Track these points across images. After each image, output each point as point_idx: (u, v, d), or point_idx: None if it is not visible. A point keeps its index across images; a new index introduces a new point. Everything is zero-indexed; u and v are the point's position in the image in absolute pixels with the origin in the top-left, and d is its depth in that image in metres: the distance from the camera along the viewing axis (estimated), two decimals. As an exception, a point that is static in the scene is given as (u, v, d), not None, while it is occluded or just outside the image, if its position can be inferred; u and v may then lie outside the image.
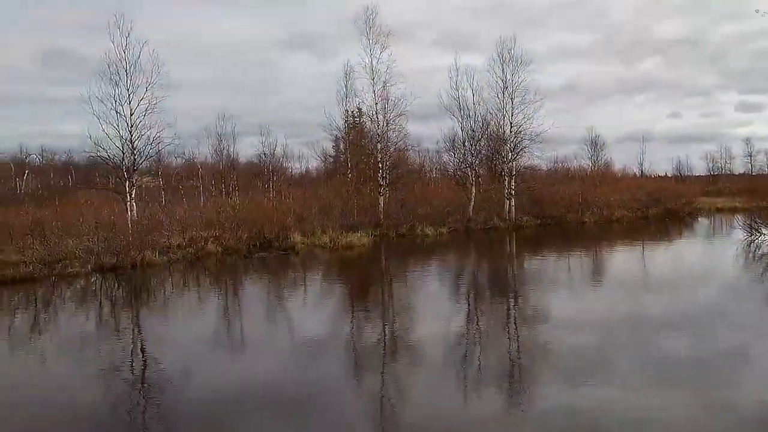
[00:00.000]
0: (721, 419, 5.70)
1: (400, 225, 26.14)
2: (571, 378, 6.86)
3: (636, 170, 55.12)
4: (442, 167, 38.99)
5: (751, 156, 59.46)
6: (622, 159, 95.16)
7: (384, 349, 8.67)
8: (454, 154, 32.77)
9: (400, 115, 28.19)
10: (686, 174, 62.55)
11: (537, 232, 28.02)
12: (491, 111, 30.81)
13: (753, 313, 10.42)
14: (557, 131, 71.76)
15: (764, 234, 20.44)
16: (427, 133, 78.02)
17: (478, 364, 7.89)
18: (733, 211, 33.38)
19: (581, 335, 8.92)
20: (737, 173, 59.82)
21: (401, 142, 30.32)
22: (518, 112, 29.86)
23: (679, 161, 64.78)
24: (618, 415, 5.82)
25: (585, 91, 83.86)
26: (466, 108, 30.69)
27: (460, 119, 30.92)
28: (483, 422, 5.79)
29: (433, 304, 12.14)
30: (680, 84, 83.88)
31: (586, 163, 48.90)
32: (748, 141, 74.34)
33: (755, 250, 18.84)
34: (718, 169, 64.36)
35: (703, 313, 10.31)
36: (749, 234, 21.22)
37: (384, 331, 9.83)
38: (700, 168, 66.01)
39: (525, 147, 30.05)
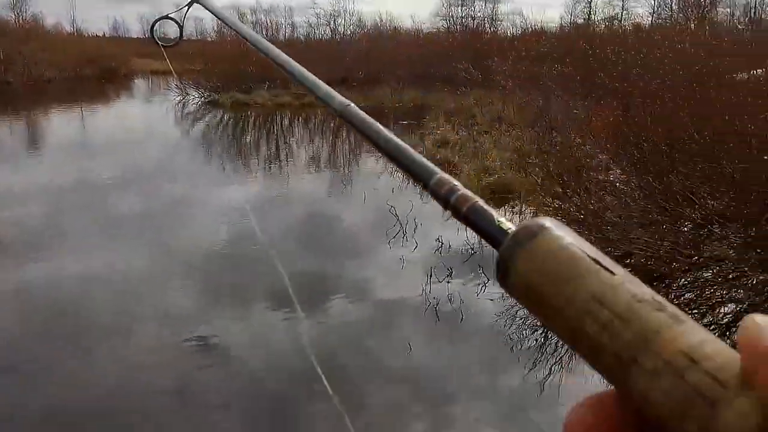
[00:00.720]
0: (172, 262, 6.36)
1: None
2: (20, 254, 6.33)
3: (70, 28, 51.36)
4: None
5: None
6: (54, 13, 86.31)
7: None
8: None
9: None
10: (124, 35, 62.24)
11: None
12: None
13: (185, 165, 11.71)
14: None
15: (191, 95, 22.63)
16: None
17: None
18: (167, 73, 35.38)
19: (23, 208, 8.20)
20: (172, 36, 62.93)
21: None
22: None
23: (116, 21, 63.70)
24: (76, 276, 5.79)
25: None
26: None
27: None
28: None
29: None
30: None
31: (8, 14, 42.39)
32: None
33: (184, 109, 20.76)
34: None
35: (146, 170, 10.92)
36: (180, 95, 23.08)
37: None
38: (136, 30, 66.58)
39: None
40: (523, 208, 7.91)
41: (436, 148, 10.73)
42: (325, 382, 4.26)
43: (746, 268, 5.38)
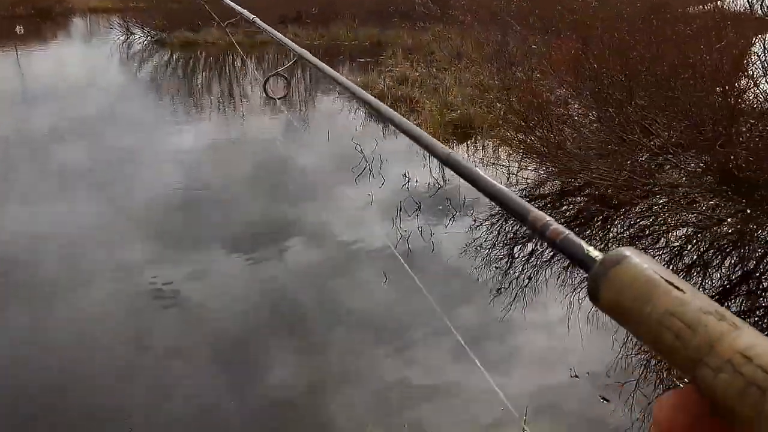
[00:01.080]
0: (123, 211, 6.25)
1: None
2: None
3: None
4: None
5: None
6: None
7: None
8: None
9: None
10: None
11: None
12: None
13: (133, 109, 11.29)
14: None
15: (135, 33, 21.59)
16: None
17: None
18: (108, 11, 33.51)
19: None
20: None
21: None
22: None
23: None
24: (23, 229, 5.65)
25: None
26: None
27: None
28: None
29: None
30: None
31: None
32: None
33: (129, 49, 19.85)
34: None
35: (91, 116, 10.47)
36: (124, 34, 22.00)
37: None
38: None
39: None
40: (486, 143, 8.03)
41: (397, 86, 10.66)
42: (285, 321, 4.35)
43: (697, 194, 5.68)
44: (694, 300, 0.36)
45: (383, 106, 0.96)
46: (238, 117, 10.92)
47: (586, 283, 0.41)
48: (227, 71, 17.02)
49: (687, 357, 0.35)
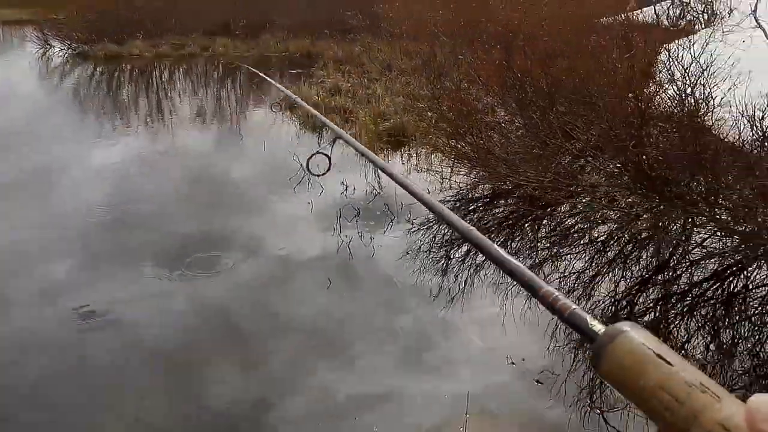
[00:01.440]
0: (47, 230, 6.06)
1: None
2: None
3: None
4: None
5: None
6: None
7: None
8: None
9: None
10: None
11: None
12: None
13: (54, 124, 10.90)
14: None
15: (55, 46, 20.76)
16: None
17: None
18: (22, 24, 32.01)
19: None
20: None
21: None
22: None
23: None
24: None
25: None
26: None
27: None
28: None
29: None
30: None
31: None
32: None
33: (49, 63, 19.08)
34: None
35: (8, 131, 10.00)
36: (42, 47, 21.11)
37: None
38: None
39: None
40: (419, 150, 8.29)
41: (330, 96, 10.80)
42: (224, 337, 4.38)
43: (616, 193, 6.10)
44: (681, 373, 0.40)
45: (416, 188, 1.09)
46: (167, 130, 10.73)
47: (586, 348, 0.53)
48: (154, 83, 16.64)
49: (677, 427, 0.39)
